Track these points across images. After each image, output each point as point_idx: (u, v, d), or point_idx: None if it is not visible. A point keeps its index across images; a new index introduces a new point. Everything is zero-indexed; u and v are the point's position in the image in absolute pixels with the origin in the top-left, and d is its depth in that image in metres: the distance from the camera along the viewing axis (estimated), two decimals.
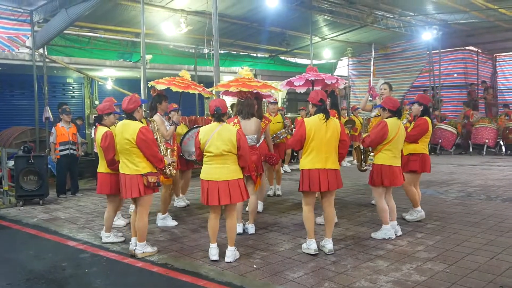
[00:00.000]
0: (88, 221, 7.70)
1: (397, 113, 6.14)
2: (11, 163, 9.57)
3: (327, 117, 5.40)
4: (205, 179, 5.32)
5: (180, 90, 6.97)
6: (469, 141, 16.89)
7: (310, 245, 5.52)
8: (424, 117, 6.86)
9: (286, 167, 13.22)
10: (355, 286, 4.54)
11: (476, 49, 21.02)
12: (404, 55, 19.27)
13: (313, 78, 6.57)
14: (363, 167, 6.59)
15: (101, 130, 5.98)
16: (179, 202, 8.60)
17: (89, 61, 14.11)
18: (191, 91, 7.12)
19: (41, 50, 12.59)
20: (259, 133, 6.59)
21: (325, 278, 4.76)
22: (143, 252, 5.64)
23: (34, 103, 12.54)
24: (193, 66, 16.28)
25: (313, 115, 5.50)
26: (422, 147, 6.88)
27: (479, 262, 5.08)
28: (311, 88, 6.62)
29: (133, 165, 5.48)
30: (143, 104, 5.99)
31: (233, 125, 6.22)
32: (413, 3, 14.58)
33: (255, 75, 16.67)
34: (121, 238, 6.39)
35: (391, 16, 15.99)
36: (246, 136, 6.14)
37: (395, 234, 6.14)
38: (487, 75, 21.66)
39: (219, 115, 5.35)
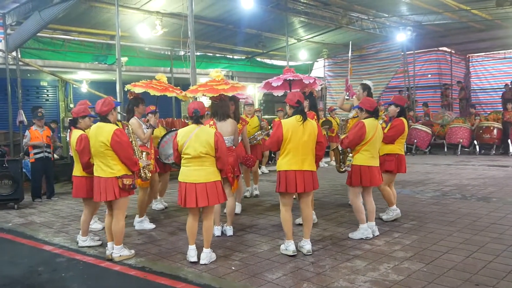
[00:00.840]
0: (64, 225, 7.59)
1: (374, 113, 6.19)
2: None
3: (304, 118, 5.42)
4: (183, 181, 5.30)
5: (158, 94, 6.94)
6: (443, 141, 17.17)
7: (288, 247, 5.53)
8: (400, 118, 6.93)
9: (264, 168, 13.24)
10: (334, 286, 4.56)
11: (449, 50, 21.38)
12: (379, 56, 19.42)
13: (290, 78, 6.57)
14: (342, 169, 6.60)
15: (76, 133, 5.92)
16: (157, 204, 8.54)
17: (64, 64, 13.95)
18: (169, 94, 7.11)
19: (14, 53, 12.40)
20: (236, 134, 6.57)
21: (303, 278, 4.78)
22: (120, 256, 5.58)
23: (7, 106, 12.34)
24: (169, 68, 16.21)
25: (291, 116, 5.51)
26: (398, 147, 6.93)
27: (455, 261, 5.14)
28: (288, 90, 6.62)
29: (108, 168, 5.44)
30: (117, 107, 5.93)
31: (209, 127, 6.19)
32: (387, 5, 14.74)
33: (232, 77, 16.70)
34: (98, 241, 6.31)
35: (365, 18, 16.16)
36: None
37: (373, 234, 6.19)
38: (460, 75, 22.03)
39: (198, 117, 5.34)
